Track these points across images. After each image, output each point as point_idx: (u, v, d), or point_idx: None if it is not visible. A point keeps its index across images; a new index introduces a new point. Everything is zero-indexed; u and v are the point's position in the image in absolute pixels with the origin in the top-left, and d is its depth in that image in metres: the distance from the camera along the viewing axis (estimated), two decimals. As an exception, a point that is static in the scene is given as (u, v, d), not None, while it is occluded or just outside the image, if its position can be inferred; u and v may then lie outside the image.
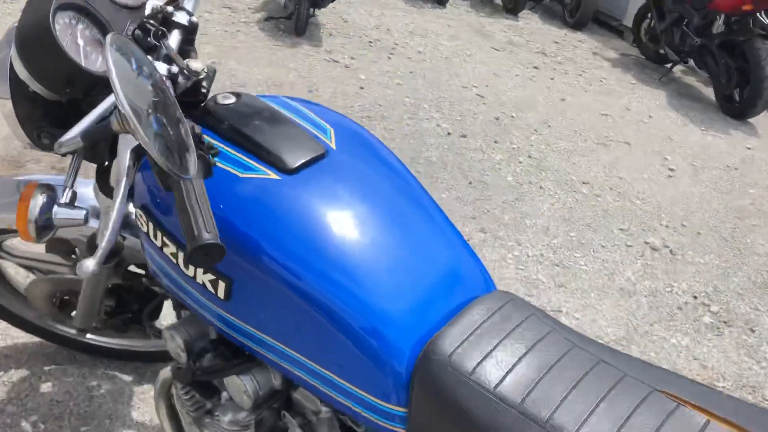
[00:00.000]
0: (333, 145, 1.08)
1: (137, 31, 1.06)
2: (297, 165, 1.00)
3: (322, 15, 5.12)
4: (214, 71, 1.15)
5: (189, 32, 1.17)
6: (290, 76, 4.04)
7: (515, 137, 3.90)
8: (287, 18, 4.75)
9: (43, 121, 1.08)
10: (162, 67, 1.04)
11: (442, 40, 5.33)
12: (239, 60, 4.09)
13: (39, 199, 0.92)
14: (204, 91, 1.12)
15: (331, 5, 4.89)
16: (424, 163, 3.39)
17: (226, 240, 0.88)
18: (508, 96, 4.48)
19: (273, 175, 0.99)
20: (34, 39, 0.98)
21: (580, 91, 4.92)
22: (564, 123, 4.26)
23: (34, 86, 1.03)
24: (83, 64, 1.01)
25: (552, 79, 5.02)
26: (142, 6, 1.18)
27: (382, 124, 3.69)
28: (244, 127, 1.04)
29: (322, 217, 0.95)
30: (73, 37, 1.02)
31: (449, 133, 3.75)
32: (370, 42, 4.90)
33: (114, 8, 1.12)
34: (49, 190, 0.94)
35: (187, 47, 1.17)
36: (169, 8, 1.14)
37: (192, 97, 1.11)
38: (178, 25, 1.14)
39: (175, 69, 1.04)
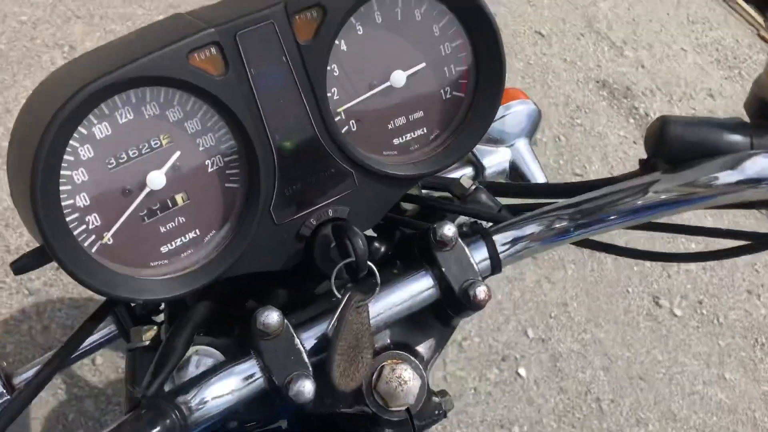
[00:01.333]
0: None
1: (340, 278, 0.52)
2: None
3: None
4: (444, 411, 0.57)
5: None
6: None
7: None
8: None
9: None
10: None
11: None
12: (589, 303, 2.42)
13: None
14: None
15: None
16: None
17: None
18: None
19: None
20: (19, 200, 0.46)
21: None
22: None
23: None
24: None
25: None
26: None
27: None
28: None
29: None
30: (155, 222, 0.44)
31: None
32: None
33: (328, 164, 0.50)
34: None
35: (434, 326, 0.58)
36: (449, 231, 0.54)
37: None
38: (442, 286, 0.55)
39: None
